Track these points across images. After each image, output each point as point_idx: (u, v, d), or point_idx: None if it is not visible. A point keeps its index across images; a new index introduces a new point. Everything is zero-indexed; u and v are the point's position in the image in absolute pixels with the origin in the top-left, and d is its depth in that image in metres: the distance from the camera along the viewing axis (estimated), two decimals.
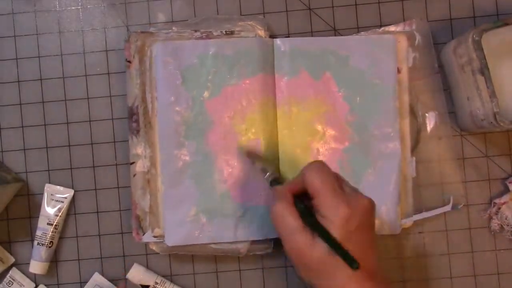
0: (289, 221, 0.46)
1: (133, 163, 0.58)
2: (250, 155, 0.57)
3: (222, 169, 0.58)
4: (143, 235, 0.58)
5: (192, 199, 0.57)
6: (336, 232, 0.44)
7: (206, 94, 0.58)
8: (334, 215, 0.44)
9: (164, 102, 0.58)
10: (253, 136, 0.58)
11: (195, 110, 0.58)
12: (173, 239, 0.57)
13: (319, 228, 0.45)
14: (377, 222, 0.57)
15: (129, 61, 0.59)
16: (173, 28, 0.59)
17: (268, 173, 0.53)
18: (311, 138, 0.58)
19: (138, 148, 0.59)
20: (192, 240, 0.57)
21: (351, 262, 0.43)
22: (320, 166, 0.47)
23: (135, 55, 0.58)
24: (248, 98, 0.58)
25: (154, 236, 0.58)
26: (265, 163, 0.55)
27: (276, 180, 0.52)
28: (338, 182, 0.47)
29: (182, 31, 0.59)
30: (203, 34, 0.59)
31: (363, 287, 0.45)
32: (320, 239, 0.45)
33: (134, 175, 0.58)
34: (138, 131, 0.59)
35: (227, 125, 0.58)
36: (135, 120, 0.59)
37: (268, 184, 0.52)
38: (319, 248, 0.44)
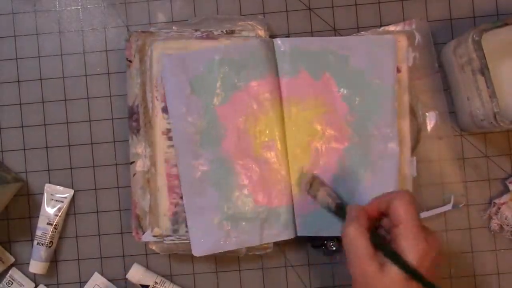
0: (361, 245, 0.45)
1: (133, 162, 0.58)
2: (313, 183, 0.55)
3: (240, 174, 0.57)
4: (143, 234, 0.58)
5: (215, 206, 0.57)
6: (415, 261, 0.44)
7: (216, 101, 0.58)
8: (413, 249, 0.44)
9: (176, 114, 0.58)
10: (267, 138, 0.58)
11: (207, 118, 0.58)
12: (200, 249, 0.57)
13: (396, 256, 0.44)
14: None
15: (130, 61, 0.59)
16: (173, 27, 0.59)
17: (330, 200, 0.51)
18: (310, 138, 0.58)
19: (138, 148, 0.59)
20: (219, 247, 0.57)
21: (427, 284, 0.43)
22: (410, 197, 0.46)
23: (136, 55, 0.58)
24: (258, 101, 0.58)
25: (154, 236, 0.58)
26: (325, 189, 0.54)
27: (340, 206, 0.51)
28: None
29: (182, 31, 0.59)
30: (204, 34, 0.59)
31: None
32: (394, 266, 0.44)
33: (134, 175, 0.58)
34: (138, 130, 0.59)
35: (240, 130, 0.58)
36: (135, 119, 0.59)
37: (332, 211, 0.51)
38: (391, 275, 0.44)
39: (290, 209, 0.57)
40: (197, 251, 0.57)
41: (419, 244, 0.44)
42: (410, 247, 0.44)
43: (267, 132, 0.58)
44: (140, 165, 0.59)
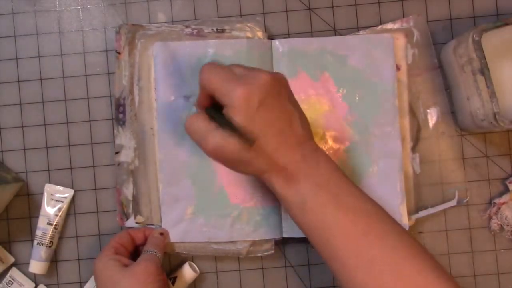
0: (200, 125, 0.46)
1: (117, 152, 0.59)
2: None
3: (219, 170, 0.58)
4: (126, 220, 0.59)
5: (189, 198, 0.58)
6: (238, 115, 0.44)
7: None
8: (231, 100, 0.44)
9: (163, 102, 0.58)
10: None
11: (193, 110, 0.58)
12: (171, 236, 0.58)
13: (218, 117, 0.45)
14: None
15: (119, 53, 0.59)
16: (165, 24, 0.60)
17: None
18: None
19: (123, 139, 0.59)
20: (189, 238, 0.58)
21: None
22: (208, 65, 0.46)
23: (125, 47, 0.59)
24: None
25: (137, 223, 0.59)
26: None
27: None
28: (231, 71, 0.46)
29: (173, 26, 0.59)
30: (194, 31, 0.59)
31: (287, 156, 0.45)
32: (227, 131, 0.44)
33: (118, 164, 0.59)
34: (124, 122, 0.59)
35: None
36: (121, 111, 0.59)
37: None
38: (232, 141, 0.44)
39: (265, 211, 0.58)
40: (168, 237, 0.58)
41: (234, 93, 0.44)
42: (230, 102, 0.44)
43: None
44: (124, 156, 0.59)
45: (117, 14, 0.61)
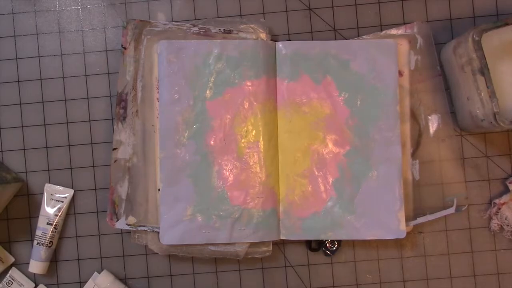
0: None
1: (115, 149, 0.59)
2: None
3: (220, 170, 0.58)
4: (117, 221, 0.58)
5: (189, 198, 0.58)
6: None
7: (208, 94, 0.58)
8: None
9: (166, 101, 0.58)
10: (253, 139, 0.58)
11: (196, 110, 0.58)
12: (168, 238, 0.58)
13: None
14: (379, 227, 0.57)
15: (125, 48, 0.59)
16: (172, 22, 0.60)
17: None
18: (311, 142, 0.58)
19: (123, 135, 0.59)
20: (187, 240, 0.58)
21: None
22: None
23: (131, 42, 0.59)
24: (250, 101, 0.58)
25: (128, 224, 0.58)
26: None
27: None
28: None
29: (180, 24, 0.59)
30: (201, 30, 0.59)
31: None
32: None
33: (115, 161, 0.59)
34: (124, 118, 0.59)
35: (228, 127, 0.58)
36: (122, 106, 0.59)
37: None
38: None
39: (264, 213, 0.57)
40: (165, 239, 0.58)
41: None
42: None
43: (254, 133, 0.58)
44: (122, 153, 0.59)
45: (117, 14, 0.61)
